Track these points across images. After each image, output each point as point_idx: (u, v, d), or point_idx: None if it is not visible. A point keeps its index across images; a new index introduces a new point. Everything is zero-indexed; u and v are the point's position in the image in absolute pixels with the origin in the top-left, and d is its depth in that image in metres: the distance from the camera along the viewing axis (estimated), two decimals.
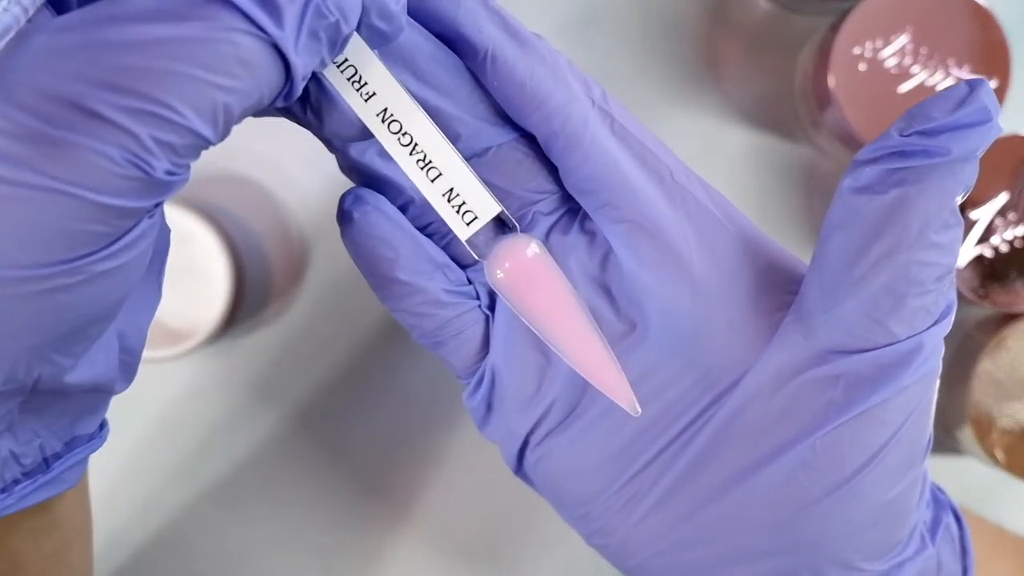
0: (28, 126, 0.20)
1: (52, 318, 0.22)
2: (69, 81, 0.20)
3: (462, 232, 0.26)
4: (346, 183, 0.31)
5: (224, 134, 0.22)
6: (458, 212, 0.26)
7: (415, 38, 0.27)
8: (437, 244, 0.30)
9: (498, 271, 0.26)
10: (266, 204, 0.47)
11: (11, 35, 0.21)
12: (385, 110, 0.25)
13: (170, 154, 0.21)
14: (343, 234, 0.29)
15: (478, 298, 0.30)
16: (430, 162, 0.26)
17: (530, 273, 0.26)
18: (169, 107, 0.20)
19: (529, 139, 0.29)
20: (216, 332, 0.44)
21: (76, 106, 0.20)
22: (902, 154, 0.26)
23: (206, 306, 0.44)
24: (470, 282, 0.30)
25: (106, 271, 0.22)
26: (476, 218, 0.26)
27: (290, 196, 0.47)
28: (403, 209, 0.29)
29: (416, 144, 0.26)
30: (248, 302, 0.47)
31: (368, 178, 0.29)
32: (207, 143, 0.21)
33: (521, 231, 0.28)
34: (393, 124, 0.25)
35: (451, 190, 0.26)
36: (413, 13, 0.27)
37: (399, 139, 0.26)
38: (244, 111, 0.22)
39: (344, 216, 0.29)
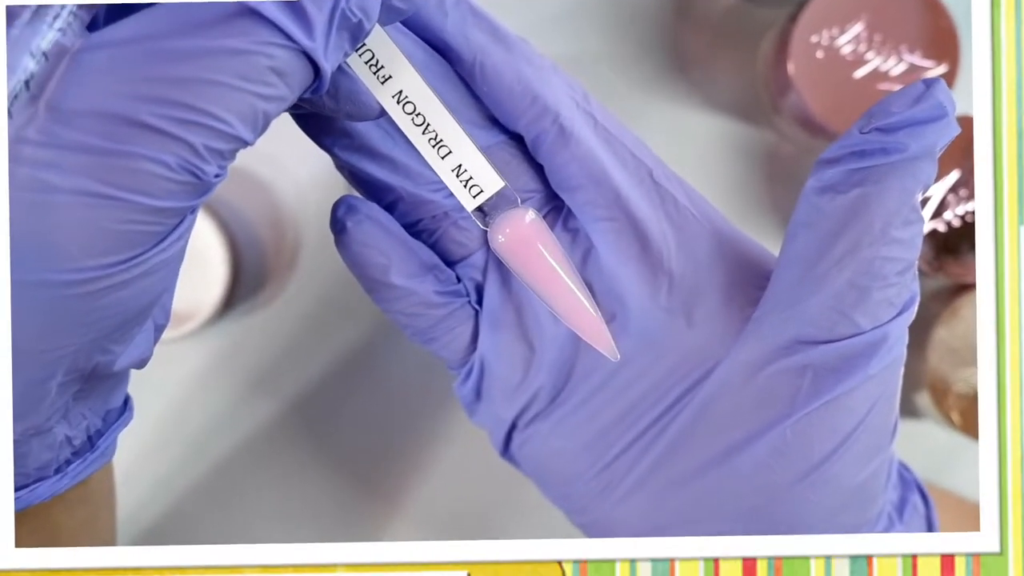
0: (88, 143, 0.22)
1: (111, 311, 0.24)
2: (123, 99, 0.22)
3: (469, 204, 0.28)
4: (338, 174, 0.32)
5: (260, 135, 0.24)
6: (465, 186, 0.28)
7: (407, 45, 0.28)
8: (426, 242, 0.31)
9: (499, 236, 0.29)
10: (260, 192, 0.48)
11: (67, 58, 0.22)
12: (400, 92, 0.27)
13: (218, 159, 0.23)
14: (337, 242, 0.30)
15: (467, 295, 0.31)
16: (441, 140, 0.28)
17: (527, 238, 0.29)
18: (217, 117, 0.22)
19: (515, 141, 0.30)
20: (215, 315, 0.45)
21: (133, 121, 0.22)
22: (862, 154, 0.27)
23: (204, 290, 0.45)
24: (459, 280, 0.31)
25: (158, 264, 0.24)
26: (482, 191, 0.28)
27: (284, 184, 0.48)
28: (392, 206, 0.30)
29: (428, 124, 0.28)
30: (244, 286, 0.48)
31: (358, 177, 0.30)
32: (247, 145, 0.23)
33: None
34: (408, 105, 0.27)
35: (460, 166, 0.28)
36: (403, 21, 0.28)
37: (413, 119, 0.27)
38: (279, 113, 0.24)
39: (337, 225, 0.30)
